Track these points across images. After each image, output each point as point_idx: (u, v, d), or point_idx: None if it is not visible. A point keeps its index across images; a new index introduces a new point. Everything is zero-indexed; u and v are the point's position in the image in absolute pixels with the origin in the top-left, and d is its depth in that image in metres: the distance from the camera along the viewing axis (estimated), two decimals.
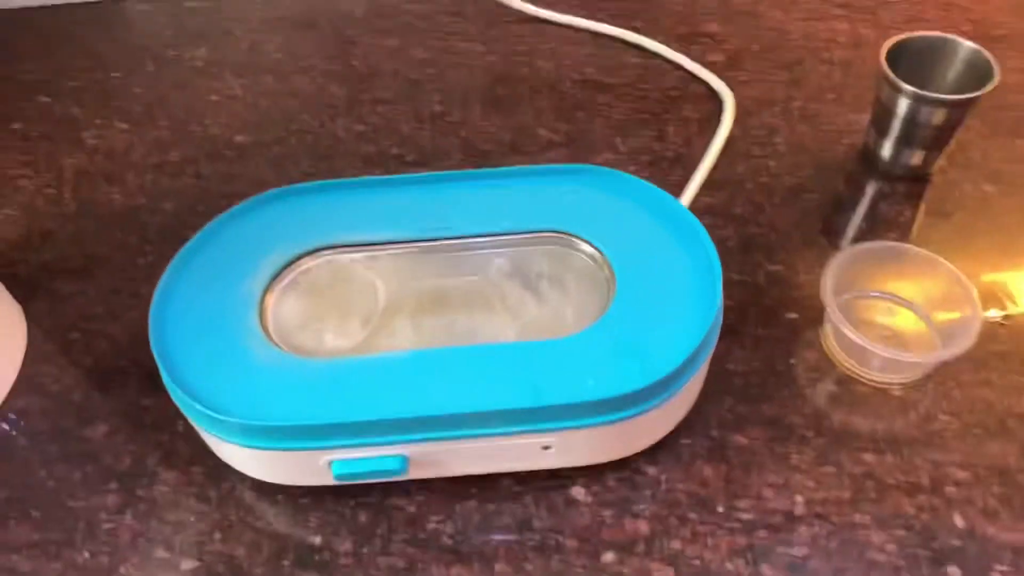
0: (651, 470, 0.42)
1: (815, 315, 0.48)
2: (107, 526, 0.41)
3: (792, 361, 0.46)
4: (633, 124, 0.60)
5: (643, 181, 0.45)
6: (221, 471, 0.42)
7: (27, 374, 0.47)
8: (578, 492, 0.41)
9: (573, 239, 0.44)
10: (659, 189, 0.45)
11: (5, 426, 0.45)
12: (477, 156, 0.58)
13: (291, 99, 0.63)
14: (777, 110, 0.60)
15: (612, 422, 0.37)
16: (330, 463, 0.38)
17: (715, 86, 0.62)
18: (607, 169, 0.46)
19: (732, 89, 0.61)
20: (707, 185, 0.55)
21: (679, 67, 0.64)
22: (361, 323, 0.42)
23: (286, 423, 0.36)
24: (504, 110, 0.62)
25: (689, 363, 0.38)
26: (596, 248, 0.43)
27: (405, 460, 0.38)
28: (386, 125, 0.61)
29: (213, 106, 0.63)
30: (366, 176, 0.48)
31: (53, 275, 0.52)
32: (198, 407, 0.37)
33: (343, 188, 0.47)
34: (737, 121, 0.59)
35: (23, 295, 0.51)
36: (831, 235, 0.52)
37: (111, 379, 0.47)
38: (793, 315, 0.48)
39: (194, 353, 0.39)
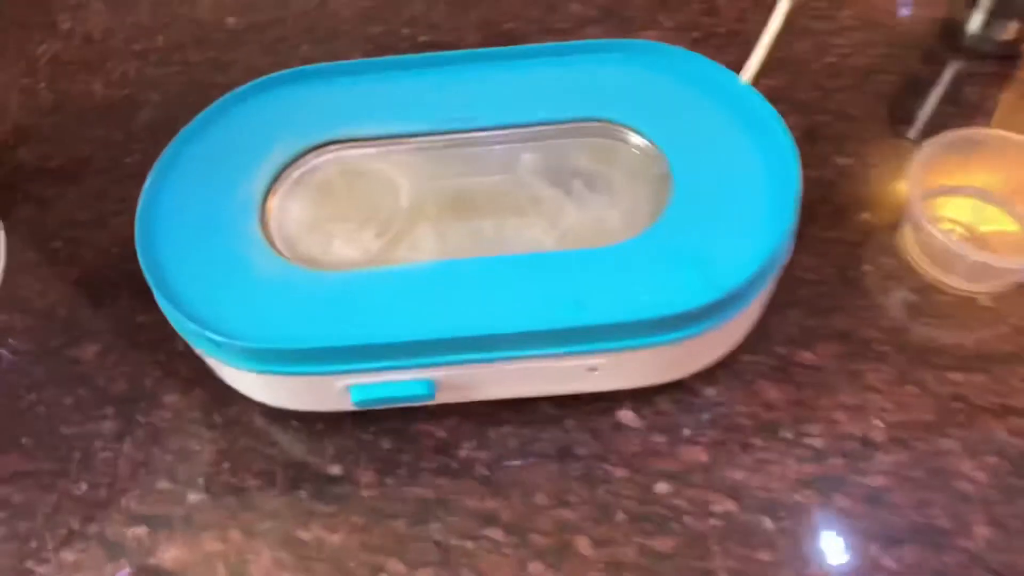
0: (709, 391, 0.37)
1: (891, 215, 0.42)
2: (104, 455, 0.37)
3: (866, 267, 0.40)
4: None
5: (702, 57, 0.39)
6: (227, 393, 0.38)
7: (7, 288, 0.43)
8: (626, 416, 0.37)
9: (620, 129, 0.38)
10: (722, 67, 0.38)
11: None
12: (500, 37, 0.51)
13: None
14: None
15: (668, 342, 0.32)
16: (348, 388, 0.34)
17: None
18: (658, 44, 0.40)
19: None
20: (765, 67, 0.48)
21: None
22: (377, 230, 0.36)
23: (298, 346, 0.32)
24: None
25: (760, 275, 0.33)
26: (647, 139, 0.37)
27: (432, 384, 0.33)
28: (395, 1, 0.54)
29: None
30: (376, 58, 0.41)
31: (31, 177, 0.47)
32: (195, 328, 0.32)
33: (352, 73, 0.40)
34: None
35: None
36: (908, 123, 0.46)
37: (101, 293, 0.42)
38: (866, 215, 0.42)
39: (188, 266, 0.34)
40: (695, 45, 0.50)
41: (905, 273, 0.40)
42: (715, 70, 0.38)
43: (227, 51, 0.52)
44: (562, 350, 0.32)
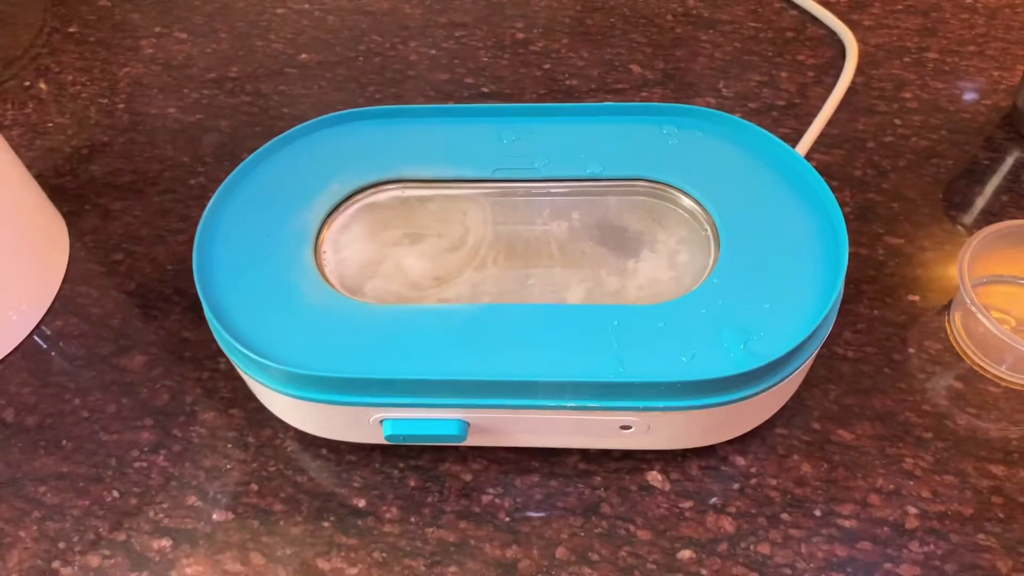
0: (740, 461, 0.37)
1: (940, 299, 0.41)
2: (138, 464, 0.38)
3: (911, 350, 0.40)
4: (740, 66, 0.53)
5: (756, 127, 0.39)
6: (262, 416, 0.39)
7: (66, 293, 0.44)
8: (655, 478, 0.36)
9: (671, 191, 0.38)
10: (775, 138, 0.39)
11: (43, 344, 0.42)
12: (561, 92, 0.53)
13: (362, 17, 0.58)
14: (907, 61, 0.53)
15: (706, 406, 0.32)
16: (381, 422, 0.34)
17: (836, 29, 0.54)
18: (712, 111, 0.40)
19: (856, 34, 0.54)
20: (822, 141, 0.48)
21: (795, 6, 0.57)
22: (425, 268, 0.37)
23: (336, 374, 0.32)
24: (594, 42, 0.55)
25: (802, 348, 0.32)
26: (697, 202, 0.38)
27: (464, 426, 0.34)
28: (462, 51, 0.55)
29: (278, 20, 0.59)
30: (440, 104, 0.42)
31: (100, 190, 0.49)
32: (240, 348, 0.33)
33: (414, 115, 0.42)
34: (860, 71, 0.52)
35: (68, 209, 0.48)
36: (964, 209, 0.45)
37: (153, 306, 0.44)
38: (914, 297, 0.42)
39: (239, 288, 0.35)
40: (752, 115, 0.50)
41: (951, 359, 0.39)
42: (769, 141, 0.39)
43: (298, 86, 0.54)
44: (596, 404, 0.32)
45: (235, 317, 0.34)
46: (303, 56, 0.56)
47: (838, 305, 0.34)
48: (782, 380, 0.33)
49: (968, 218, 0.45)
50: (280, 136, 0.41)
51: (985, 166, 0.47)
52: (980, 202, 0.46)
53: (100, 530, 0.36)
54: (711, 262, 0.36)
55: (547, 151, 0.40)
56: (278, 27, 0.58)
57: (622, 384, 0.32)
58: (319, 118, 0.42)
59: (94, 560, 0.35)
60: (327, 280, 0.36)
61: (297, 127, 0.42)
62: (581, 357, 0.32)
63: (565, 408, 0.33)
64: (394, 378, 0.32)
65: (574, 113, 0.41)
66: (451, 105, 0.42)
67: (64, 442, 0.39)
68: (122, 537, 0.36)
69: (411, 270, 0.37)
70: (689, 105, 0.41)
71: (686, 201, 0.38)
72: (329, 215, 0.38)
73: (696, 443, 0.36)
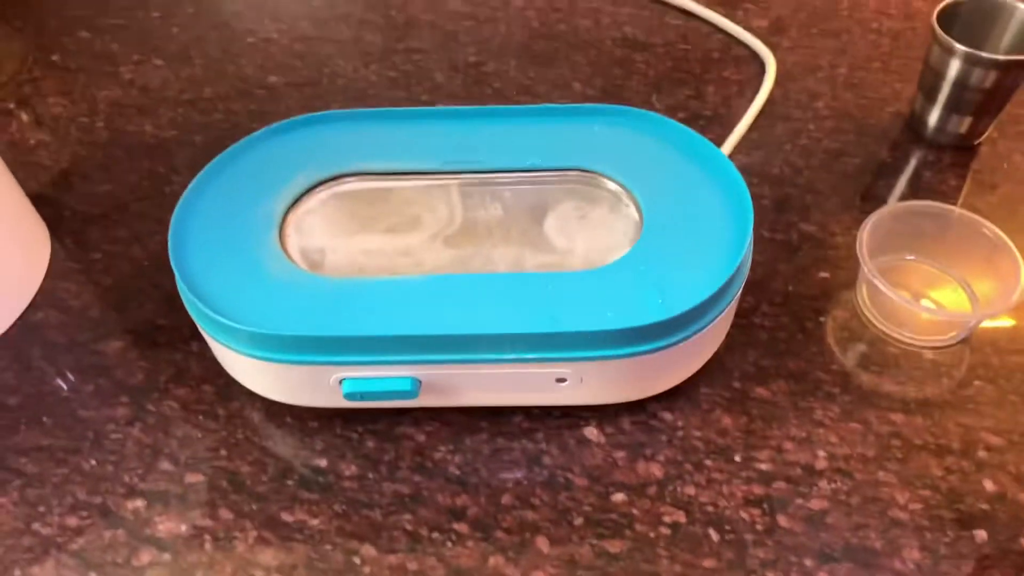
0: (668, 416, 0.40)
1: (848, 276, 0.46)
2: (115, 436, 0.41)
3: (822, 319, 0.44)
4: (671, 83, 0.58)
5: (674, 122, 0.44)
6: (231, 391, 0.42)
7: (48, 289, 0.47)
8: (591, 432, 0.40)
9: (601, 178, 0.43)
10: (689, 130, 0.43)
11: (24, 334, 0.45)
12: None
13: (326, 44, 0.63)
14: (821, 76, 0.58)
15: (629, 355, 0.36)
16: (340, 381, 0.37)
17: (757, 50, 0.60)
18: (638, 110, 0.45)
19: (775, 54, 0.59)
20: (744, 144, 0.53)
21: (721, 30, 0.62)
22: (380, 248, 0.41)
23: (297, 333, 0.36)
24: (540, 64, 0.61)
25: (714, 300, 0.37)
26: (624, 187, 0.42)
27: (417, 383, 0.37)
28: (419, 73, 0.60)
29: (248, 47, 0.63)
30: (394, 108, 0.47)
31: (80, 198, 0.53)
32: (208, 312, 0.36)
33: (369, 117, 0.46)
34: (778, 84, 0.58)
35: (50, 215, 0.51)
36: (870, 200, 0.51)
37: (129, 298, 0.47)
38: (825, 274, 0.46)
39: (210, 264, 0.39)
40: (683, 123, 0.55)
41: (858, 326, 0.44)
42: (685, 134, 0.44)
43: (267, 104, 0.59)
44: (534, 356, 0.36)
45: (204, 286, 0.38)
46: (272, 79, 0.61)
47: (747, 264, 0.39)
48: (696, 333, 0.37)
49: (874, 208, 0.50)
50: (253, 135, 0.45)
51: (889, 164, 0.53)
52: (884, 194, 0.51)
53: (78, 494, 0.39)
54: (634, 237, 0.40)
55: (490, 147, 0.44)
56: (249, 54, 0.63)
57: (555, 335, 0.35)
58: (284, 121, 0.46)
59: (72, 521, 0.38)
60: (290, 257, 0.40)
61: (266, 128, 0.46)
62: (518, 314, 0.36)
63: (506, 361, 0.36)
64: (351, 335, 0.36)
65: (514, 115, 0.46)
66: (405, 108, 0.46)
67: (44, 419, 0.42)
68: (98, 500, 0.39)
69: (367, 250, 0.41)
70: (616, 105, 0.46)
71: (613, 186, 0.42)
72: (294, 203, 0.42)
73: (626, 396, 0.40)
